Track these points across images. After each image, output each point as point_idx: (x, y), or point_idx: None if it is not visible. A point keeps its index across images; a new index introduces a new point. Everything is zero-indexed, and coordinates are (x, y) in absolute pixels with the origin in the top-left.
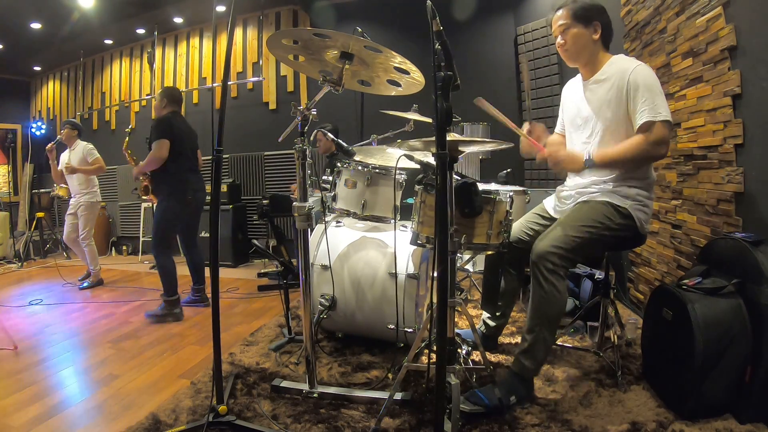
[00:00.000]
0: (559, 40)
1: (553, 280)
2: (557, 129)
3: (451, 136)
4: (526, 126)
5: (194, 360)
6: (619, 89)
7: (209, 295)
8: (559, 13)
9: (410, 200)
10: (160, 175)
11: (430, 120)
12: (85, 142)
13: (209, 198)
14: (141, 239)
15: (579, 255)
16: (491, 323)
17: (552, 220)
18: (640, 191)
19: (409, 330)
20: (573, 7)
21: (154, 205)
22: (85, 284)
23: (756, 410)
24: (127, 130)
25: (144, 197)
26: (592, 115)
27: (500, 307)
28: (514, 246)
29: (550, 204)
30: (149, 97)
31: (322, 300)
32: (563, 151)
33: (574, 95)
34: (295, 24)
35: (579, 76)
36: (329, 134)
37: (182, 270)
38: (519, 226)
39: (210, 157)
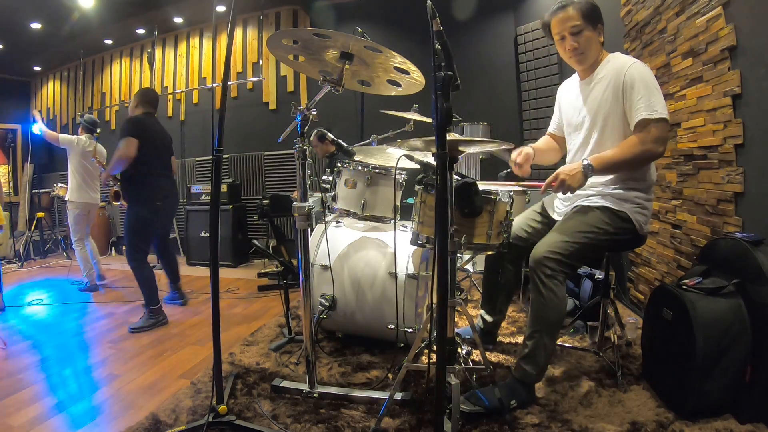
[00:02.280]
0: (571, 42)
1: (551, 285)
2: (550, 129)
3: (451, 136)
4: (512, 163)
5: (194, 360)
6: (615, 88)
7: (187, 290)
8: (568, 12)
9: (410, 200)
10: (129, 178)
11: (430, 120)
12: (83, 137)
13: (209, 198)
14: None
15: (578, 260)
16: (488, 318)
17: (550, 219)
18: (638, 194)
19: (409, 330)
20: (581, 7)
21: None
22: (83, 286)
23: (756, 410)
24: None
25: (115, 203)
26: (590, 115)
27: (498, 303)
28: (512, 243)
29: (549, 204)
30: None
31: (322, 300)
32: (559, 170)
33: (570, 95)
34: (295, 24)
35: (575, 76)
36: (329, 134)
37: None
38: (518, 224)
39: (210, 157)
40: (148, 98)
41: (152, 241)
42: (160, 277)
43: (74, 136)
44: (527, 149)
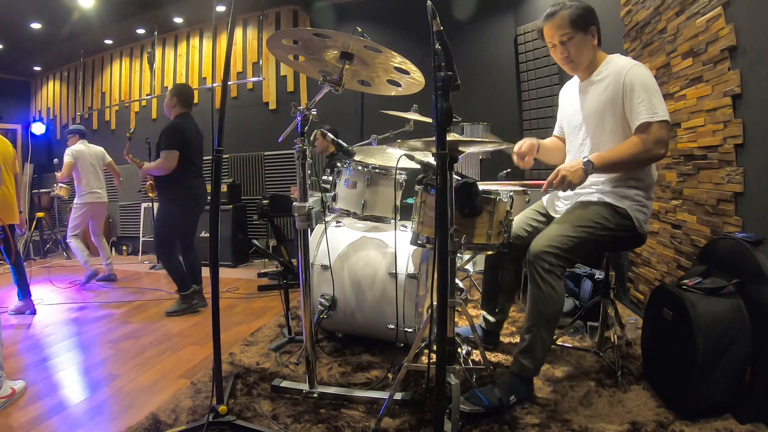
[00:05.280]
0: (562, 51)
1: (549, 279)
2: (555, 132)
3: (451, 136)
4: (515, 155)
5: (194, 360)
6: (615, 90)
7: (207, 296)
8: (556, 21)
9: (410, 200)
10: (163, 179)
11: (430, 120)
12: (77, 146)
13: (209, 198)
14: (141, 239)
15: (576, 255)
16: (491, 319)
17: (550, 217)
18: (638, 192)
19: (409, 330)
20: (570, 14)
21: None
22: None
23: (756, 410)
24: (128, 135)
25: (151, 195)
26: (589, 115)
27: (499, 303)
28: (512, 242)
29: (550, 203)
30: (149, 97)
31: (322, 300)
32: (560, 167)
33: (570, 97)
34: (295, 24)
35: (575, 78)
36: (329, 134)
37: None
38: (518, 222)
39: (210, 157)
40: (184, 96)
41: (179, 236)
42: (160, 277)
43: (68, 155)
44: (532, 139)
